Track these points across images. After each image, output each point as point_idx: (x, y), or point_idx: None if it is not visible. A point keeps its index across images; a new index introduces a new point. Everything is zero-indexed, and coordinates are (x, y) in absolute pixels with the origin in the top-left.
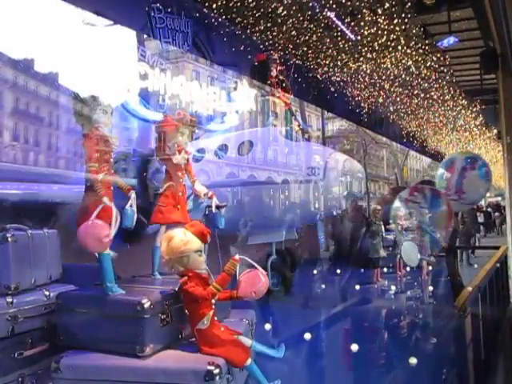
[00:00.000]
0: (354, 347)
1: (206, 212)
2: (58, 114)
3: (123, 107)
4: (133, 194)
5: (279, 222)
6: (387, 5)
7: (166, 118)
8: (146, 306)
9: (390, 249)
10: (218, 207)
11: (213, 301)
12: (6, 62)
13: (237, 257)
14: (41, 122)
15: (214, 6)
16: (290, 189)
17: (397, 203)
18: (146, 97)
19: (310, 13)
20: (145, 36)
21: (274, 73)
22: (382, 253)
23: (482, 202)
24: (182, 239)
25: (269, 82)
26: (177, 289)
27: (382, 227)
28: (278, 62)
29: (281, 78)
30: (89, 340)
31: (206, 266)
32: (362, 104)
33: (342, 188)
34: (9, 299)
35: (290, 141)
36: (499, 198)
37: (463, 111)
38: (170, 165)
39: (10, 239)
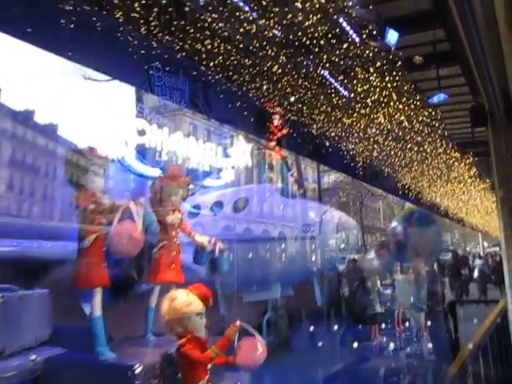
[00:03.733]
0: None
1: (210, 257)
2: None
3: (120, 163)
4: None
5: (275, 279)
6: (379, 63)
7: (160, 178)
8: (138, 371)
9: (388, 304)
10: (220, 251)
11: (209, 365)
12: (6, 114)
13: (238, 323)
14: (37, 173)
15: (212, 64)
16: (287, 244)
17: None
18: (143, 152)
19: (304, 71)
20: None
21: (276, 123)
22: (379, 308)
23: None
24: (185, 300)
25: (269, 131)
26: (173, 351)
27: (378, 282)
28: (281, 114)
29: (281, 129)
30: None
31: (205, 329)
32: (357, 158)
33: (338, 244)
34: None
35: (286, 198)
36: (497, 249)
37: (456, 163)
38: (164, 224)
39: None
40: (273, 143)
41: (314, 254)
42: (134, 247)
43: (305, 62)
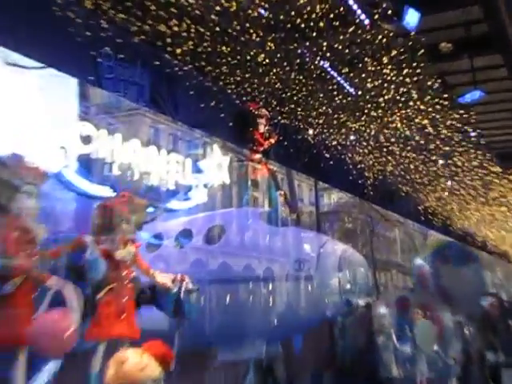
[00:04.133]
0: None
1: (175, 299)
2: None
3: (57, 179)
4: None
5: (260, 331)
6: (395, 52)
7: (106, 204)
8: None
9: (407, 365)
10: (188, 291)
11: None
12: None
13: None
14: None
15: (179, 51)
16: (275, 285)
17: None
18: (87, 165)
19: (298, 61)
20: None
21: (261, 129)
22: (396, 371)
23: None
24: (138, 363)
25: (253, 139)
26: None
27: (394, 337)
28: (268, 118)
29: (269, 136)
30: None
31: None
32: (366, 173)
33: (342, 284)
34: None
35: (274, 225)
36: None
37: (496, 180)
38: (112, 262)
39: None
40: (258, 154)
41: (311, 299)
42: (64, 347)
43: (299, 50)
